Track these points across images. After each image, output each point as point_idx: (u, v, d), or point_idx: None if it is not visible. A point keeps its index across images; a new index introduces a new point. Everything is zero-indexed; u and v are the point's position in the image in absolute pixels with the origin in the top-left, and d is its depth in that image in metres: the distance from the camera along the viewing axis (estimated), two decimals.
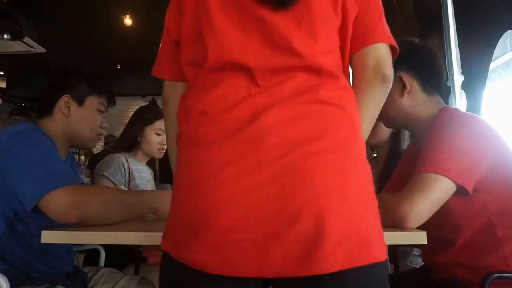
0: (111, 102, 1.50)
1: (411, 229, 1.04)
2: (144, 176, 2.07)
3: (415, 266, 1.81)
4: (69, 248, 1.42)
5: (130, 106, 9.91)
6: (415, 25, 3.25)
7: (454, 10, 2.65)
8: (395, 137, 1.92)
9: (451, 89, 2.66)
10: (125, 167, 1.95)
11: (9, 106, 9.48)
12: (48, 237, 0.95)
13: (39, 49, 6.07)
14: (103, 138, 7.36)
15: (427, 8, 3.14)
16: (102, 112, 1.45)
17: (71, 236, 0.98)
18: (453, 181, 1.10)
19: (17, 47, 5.78)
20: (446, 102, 2.68)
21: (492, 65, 2.33)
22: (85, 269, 1.55)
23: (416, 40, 1.39)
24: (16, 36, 4.48)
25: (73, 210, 1.06)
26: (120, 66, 8.60)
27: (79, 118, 1.39)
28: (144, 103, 8.81)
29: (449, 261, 1.25)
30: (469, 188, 1.12)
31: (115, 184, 1.91)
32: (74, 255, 1.52)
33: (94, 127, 1.43)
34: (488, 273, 1.10)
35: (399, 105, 1.33)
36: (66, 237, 0.98)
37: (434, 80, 1.35)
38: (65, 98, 1.37)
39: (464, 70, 2.46)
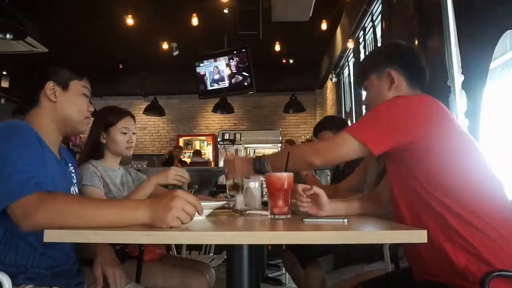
0: (88, 83, 1.53)
1: (411, 228, 1.05)
2: (116, 182, 2.08)
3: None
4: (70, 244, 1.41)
5: (132, 106, 9.97)
6: (415, 25, 3.26)
7: (454, 10, 2.66)
8: None
9: (451, 89, 2.67)
10: (98, 174, 1.97)
11: (11, 105, 9.55)
12: (50, 235, 0.96)
13: (42, 49, 6.08)
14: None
15: (427, 8, 3.15)
16: (87, 96, 1.49)
17: (73, 234, 0.99)
18: (356, 139, 1.33)
19: (20, 47, 5.80)
20: (446, 101, 2.69)
21: (492, 64, 2.32)
22: (88, 272, 1.51)
23: (403, 42, 1.60)
24: (19, 36, 4.49)
25: (23, 221, 1.07)
26: (122, 66, 8.62)
27: (66, 102, 1.42)
28: (147, 103, 8.89)
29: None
30: (375, 151, 1.31)
31: (99, 187, 1.92)
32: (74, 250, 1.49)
33: (82, 110, 1.46)
34: (488, 272, 1.10)
35: (386, 98, 1.48)
36: (67, 236, 0.99)
37: (417, 77, 1.51)
38: (49, 85, 1.40)
39: (464, 69, 2.46)
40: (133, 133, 2.12)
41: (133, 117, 2.16)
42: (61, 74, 1.43)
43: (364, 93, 1.64)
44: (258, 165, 1.55)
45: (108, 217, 1.05)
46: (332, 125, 2.68)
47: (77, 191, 1.54)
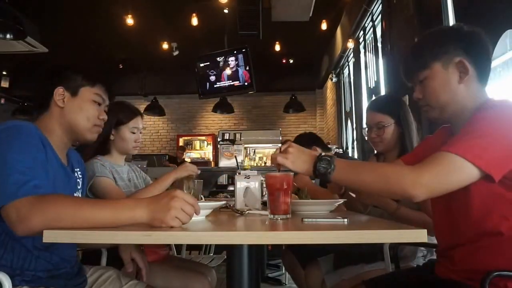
0: (109, 95, 1.51)
1: (411, 228, 1.04)
2: (124, 177, 2.08)
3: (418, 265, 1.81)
4: (70, 245, 1.40)
5: None
6: (415, 25, 3.25)
7: (454, 10, 2.66)
8: (403, 141, 1.96)
9: None
10: (107, 168, 1.96)
11: (12, 105, 9.55)
12: (49, 236, 0.95)
13: (42, 49, 6.09)
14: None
15: (427, 8, 3.15)
16: (99, 104, 1.45)
17: (72, 235, 0.98)
18: (479, 168, 1.08)
19: (20, 47, 5.80)
20: None
21: (492, 64, 2.32)
22: (91, 270, 1.53)
23: (470, 26, 1.31)
24: (19, 36, 4.49)
25: (18, 224, 1.05)
26: (122, 65, 8.62)
27: (73, 108, 1.39)
28: (147, 103, 8.89)
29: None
30: (497, 177, 1.09)
31: (110, 178, 1.93)
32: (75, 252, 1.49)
33: (90, 117, 1.42)
34: (488, 272, 1.10)
35: (454, 91, 1.27)
36: (67, 236, 0.98)
37: (488, 71, 1.28)
38: (59, 90, 1.38)
39: None
40: (140, 132, 2.14)
41: (142, 116, 2.18)
42: (73, 80, 1.41)
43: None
44: (324, 167, 1.23)
45: (105, 217, 1.04)
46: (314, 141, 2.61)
47: (81, 196, 1.51)
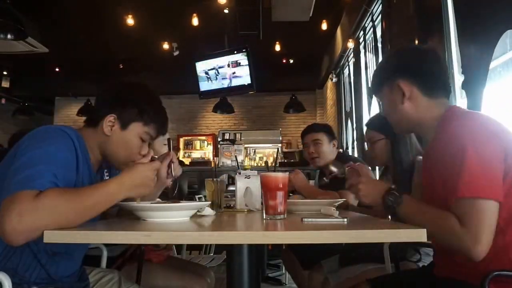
0: (161, 131, 1.43)
1: (410, 227, 1.04)
2: None
3: (421, 264, 1.80)
4: (76, 249, 1.35)
5: None
6: (415, 25, 3.26)
7: (454, 10, 2.66)
8: (395, 154, 1.94)
9: (451, 88, 2.67)
10: None
11: (12, 105, 9.55)
12: (49, 236, 0.95)
13: (42, 49, 6.10)
14: None
15: (427, 8, 3.15)
16: (144, 141, 1.38)
17: (72, 235, 0.99)
18: (496, 200, 1.11)
19: (20, 47, 5.82)
20: None
21: (492, 64, 2.31)
22: (93, 272, 1.53)
23: (413, 45, 1.41)
24: (19, 36, 4.50)
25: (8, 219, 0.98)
26: (122, 65, 8.61)
27: (117, 141, 1.33)
28: None
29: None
30: (501, 199, 1.12)
31: None
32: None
33: (130, 153, 1.36)
34: (488, 272, 1.10)
35: (401, 111, 1.40)
36: (67, 237, 0.99)
37: (435, 82, 1.37)
38: (110, 117, 1.32)
39: (464, 69, 2.46)
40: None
41: None
42: (128, 112, 1.34)
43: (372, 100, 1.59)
44: (391, 200, 1.29)
45: (94, 206, 1.10)
46: (325, 128, 2.65)
47: None
